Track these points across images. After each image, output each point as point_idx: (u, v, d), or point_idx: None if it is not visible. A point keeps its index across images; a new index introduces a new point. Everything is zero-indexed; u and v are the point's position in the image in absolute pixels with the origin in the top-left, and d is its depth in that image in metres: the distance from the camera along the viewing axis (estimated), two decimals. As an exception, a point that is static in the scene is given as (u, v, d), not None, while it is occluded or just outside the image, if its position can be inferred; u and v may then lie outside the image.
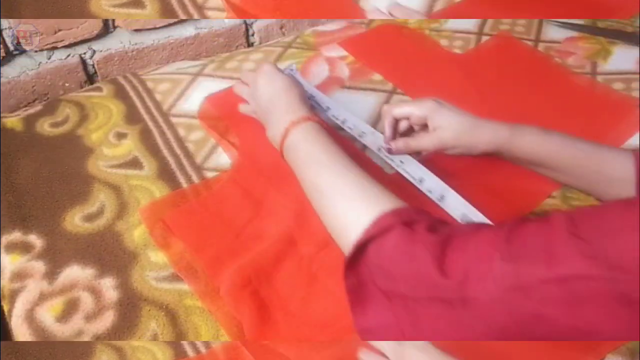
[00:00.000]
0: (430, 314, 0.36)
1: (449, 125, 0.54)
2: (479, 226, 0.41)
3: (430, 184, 0.55)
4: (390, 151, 0.57)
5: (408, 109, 0.56)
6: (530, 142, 0.54)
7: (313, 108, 0.58)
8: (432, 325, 0.36)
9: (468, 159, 0.57)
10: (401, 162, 0.57)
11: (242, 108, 0.67)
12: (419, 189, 0.55)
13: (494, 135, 0.54)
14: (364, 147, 0.62)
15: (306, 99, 0.58)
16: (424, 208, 0.47)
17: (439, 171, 0.56)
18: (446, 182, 0.55)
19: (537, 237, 0.33)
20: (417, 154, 0.58)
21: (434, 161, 0.59)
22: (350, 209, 0.44)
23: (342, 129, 0.62)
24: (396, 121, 0.57)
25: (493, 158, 0.58)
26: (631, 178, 0.50)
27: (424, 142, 0.56)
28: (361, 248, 0.40)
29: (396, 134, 0.58)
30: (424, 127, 0.56)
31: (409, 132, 0.59)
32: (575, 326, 0.31)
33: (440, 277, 0.35)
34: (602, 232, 0.31)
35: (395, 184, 0.55)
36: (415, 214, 0.41)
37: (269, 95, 0.57)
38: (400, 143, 0.56)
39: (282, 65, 0.78)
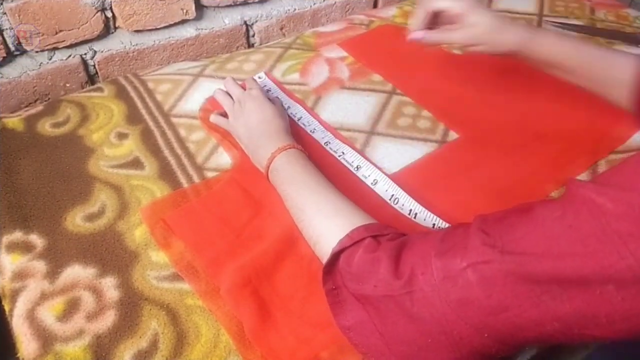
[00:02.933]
0: (389, 310, 0.40)
1: (483, 22, 0.58)
2: (428, 232, 0.45)
3: (366, 171, 0.61)
4: (421, 40, 0.61)
5: (446, 3, 0.60)
6: (548, 44, 0.58)
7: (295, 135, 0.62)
8: (392, 320, 0.40)
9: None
10: (343, 152, 0.63)
11: (214, 119, 0.67)
12: (390, 205, 0.58)
13: (518, 35, 0.58)
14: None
15: (289, 128, 0.62)
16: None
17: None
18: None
19: (459, 235, 0.39)
20: None
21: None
22: (327, 223, 0.48)
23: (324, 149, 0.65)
24: (429, 14, 0.61)
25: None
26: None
27: (455, 36, 0.60)
28: (336, 256, 0.45)
29: (425, 26, 0.62)
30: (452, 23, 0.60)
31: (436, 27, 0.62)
32: (491, 305, 0.35)
33: (393, 278, 0.40)
34: (500, 227, 0.37)
35: (367, 197, 0.58)
36: (382, 229, 0.46)
37: (258, 121, 0.61)
38: (434, 35, 0.60)
39: (282, 66, 0.79)
